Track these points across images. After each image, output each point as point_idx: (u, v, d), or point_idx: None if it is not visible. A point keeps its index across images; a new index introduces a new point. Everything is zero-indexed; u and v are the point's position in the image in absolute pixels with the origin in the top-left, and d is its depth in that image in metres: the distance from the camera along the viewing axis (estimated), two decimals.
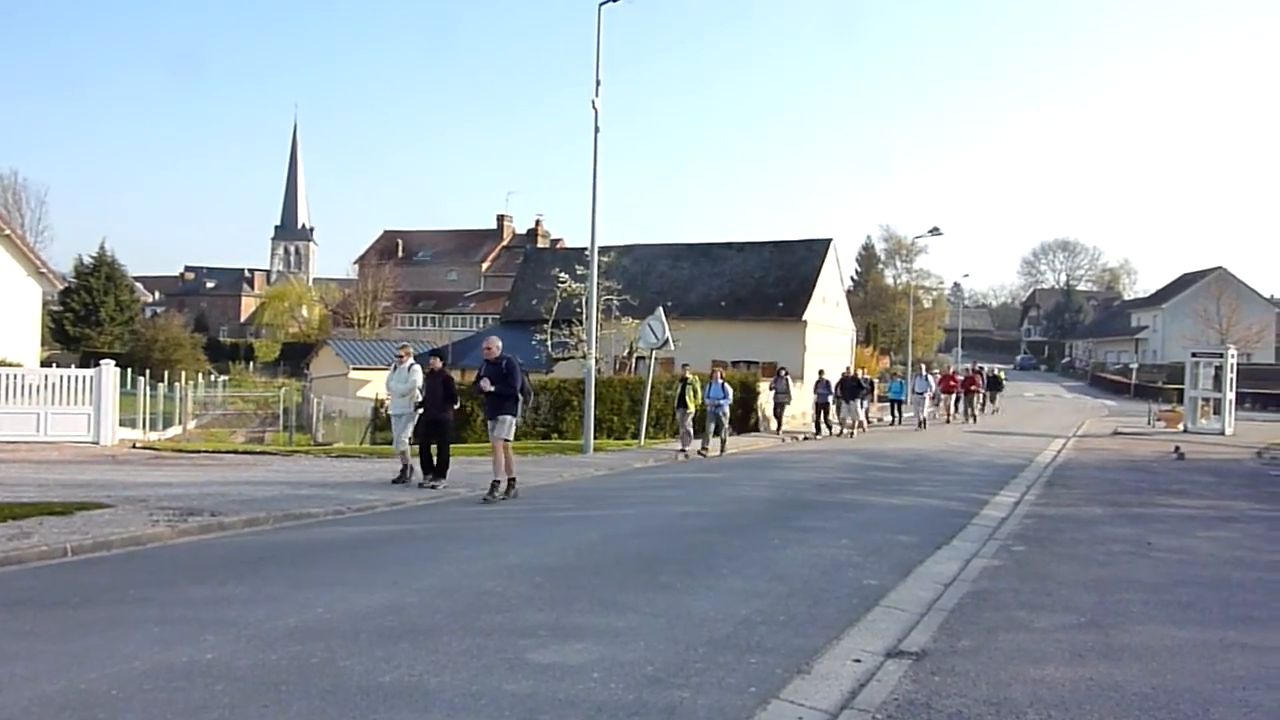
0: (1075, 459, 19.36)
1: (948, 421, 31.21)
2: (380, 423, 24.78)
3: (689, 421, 19.11)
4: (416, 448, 13.17)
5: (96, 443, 18.91)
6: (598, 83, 19.11)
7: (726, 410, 19.84)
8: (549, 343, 30.54)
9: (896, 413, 30.03)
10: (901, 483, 14.56)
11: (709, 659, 5.03)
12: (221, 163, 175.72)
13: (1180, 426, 27.93)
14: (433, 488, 12.37)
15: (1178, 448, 20.27)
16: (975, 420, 31.19)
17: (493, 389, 11.37)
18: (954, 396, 32.22)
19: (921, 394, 28.83)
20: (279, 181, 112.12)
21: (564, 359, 30.48)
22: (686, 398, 18.92)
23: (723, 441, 19.80)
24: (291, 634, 5.36)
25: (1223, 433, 26.37)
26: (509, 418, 11.53)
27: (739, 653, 5.16)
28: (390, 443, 22.46)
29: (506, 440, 11.51)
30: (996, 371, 40.79)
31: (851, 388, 25.51)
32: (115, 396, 19.67)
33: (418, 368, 13.23)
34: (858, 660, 5.15)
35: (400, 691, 4.43)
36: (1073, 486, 14.28)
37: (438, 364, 12.84)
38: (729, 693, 4.52)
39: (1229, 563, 8.34)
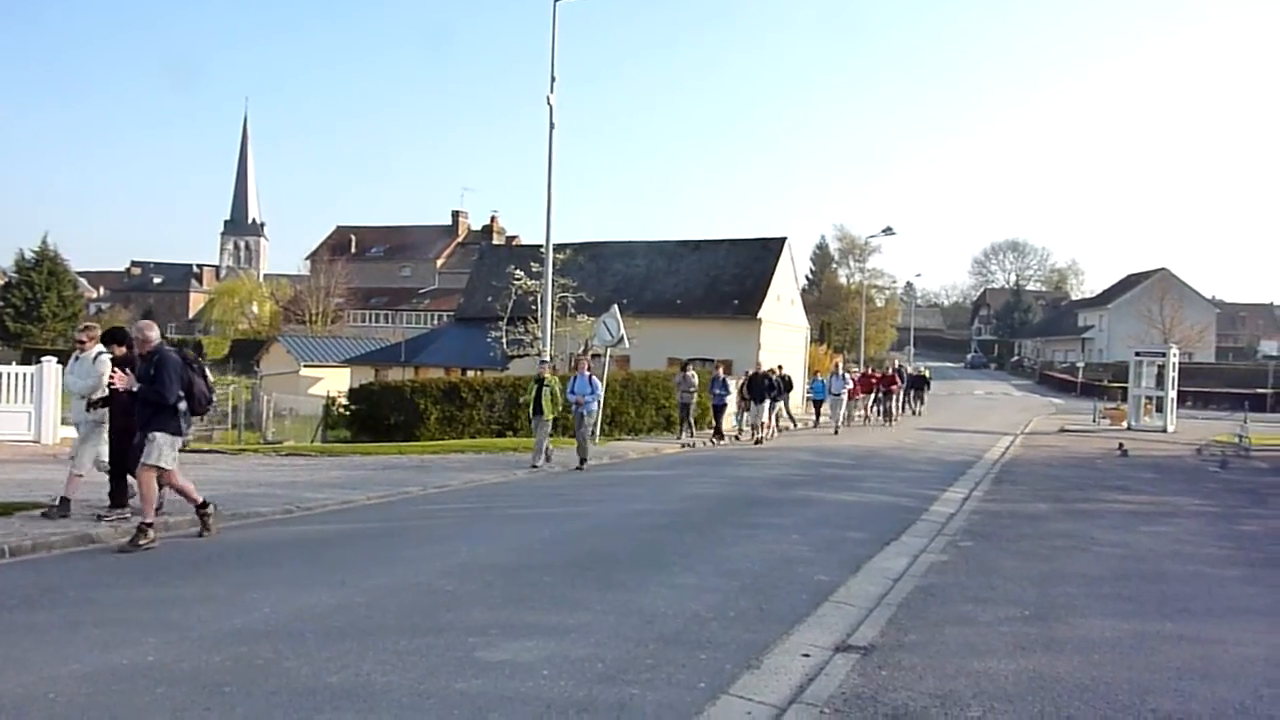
0: (1023, 456, 19.73)
1: (866, 421, 29.70)
2: (332, 420, 24.36)
3: (546, 429, 15.79)
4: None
5: (37, 441, 18.43)
6: (553, 79, 19.16)
7: (594, 409, 17.01)
8: (504, 340, 30.39)
9: (817, 414, 28.72)
10: (852, 479, 14.71)
11: (659, 655, 5.04)
12: (170, 156, 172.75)
13: (1124, 424, 28.62)
14: (125, 519, 9.06)
15: (1121, 445, 20.79)
16: (891, 423, 29.32)
17: (134, 390, 8.26)
18: (872, 396, 30.22)
19: (839, 394, 27.00)
20: (229, 175, 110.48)
21: (519, 356, 30.36)
22: (544, 402, 15.47)
23: (583, 449, 16.12)
24: (237, 635, 5.27)
25: (1165, 430, 27.05)
26: (160, 436, 8.22)
27: (690, 649, 5.18)
28: (343, 441, 22.41)
29: (158, 468, 8.25)
30: (922, 370, 39.19)
31: (759, 389, 22.01)
32: (57, 394, 19.17)
33: (106, 358, 9.29)
34: (807, 655, 5.20)
35: (347, 692, 4.38)
36: (1020, 483, 14.55)
37: (119, 353, 9.06)
38: (679, 688, 4.54)
39: (1168, 556, 8.56)
